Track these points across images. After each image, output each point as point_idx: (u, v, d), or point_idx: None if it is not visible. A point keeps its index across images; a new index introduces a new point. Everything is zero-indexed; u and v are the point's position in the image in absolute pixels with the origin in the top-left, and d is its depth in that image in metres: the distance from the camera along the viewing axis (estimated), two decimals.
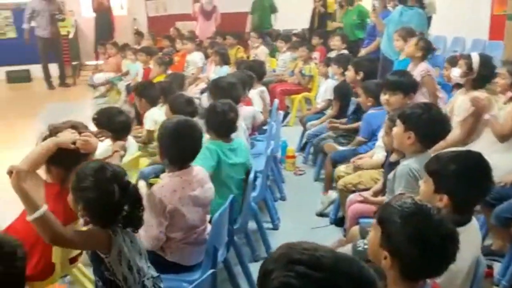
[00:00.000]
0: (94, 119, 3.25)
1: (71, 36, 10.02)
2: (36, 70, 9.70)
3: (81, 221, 1.83)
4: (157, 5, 11.24)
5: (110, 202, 1.76)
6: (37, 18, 8.98)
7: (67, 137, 2.14)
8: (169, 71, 6.05)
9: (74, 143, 2.14)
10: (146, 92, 4.05)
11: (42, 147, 2.12)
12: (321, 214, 3.77)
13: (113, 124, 3.18)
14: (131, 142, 3.35)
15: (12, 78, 10.14)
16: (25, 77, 10.15)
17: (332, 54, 6.29)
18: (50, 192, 2.14)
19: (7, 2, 10.42)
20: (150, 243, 2.24)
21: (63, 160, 2.14)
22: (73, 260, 2.35)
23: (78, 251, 2.33)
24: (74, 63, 10.11)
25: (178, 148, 2.32)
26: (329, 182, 3.89)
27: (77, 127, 2.31)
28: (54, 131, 2.24)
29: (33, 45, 9.13)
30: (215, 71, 6.30)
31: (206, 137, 3.23)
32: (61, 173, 2.18)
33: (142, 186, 3.54)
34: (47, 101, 8.27)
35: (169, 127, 2.37)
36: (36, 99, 8.68)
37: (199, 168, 2.45)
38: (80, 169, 1.83)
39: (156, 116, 3.81)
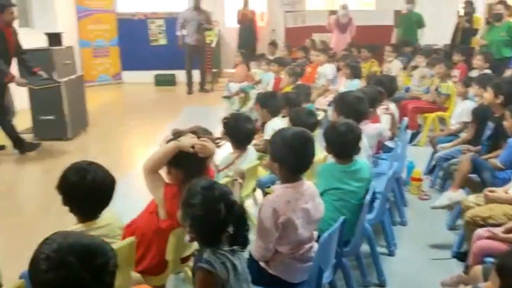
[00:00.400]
0: (224, 121, 3.41)
1: (213, 45, 10.64)
2: (180, 75, 10.48)
3: (187, 236, 1.90)
4: (296, 17, 11.45)
5: (215, 220, 1.81)
6: (187, 27, 9.72)
7: (187, 141, 2.26)
8: (299, 82, 6.13)
9: (193, 147, 2.25)
10: (268, 102, 4.14)
11: (165, 149, 2.27)
12: (435, 207, 3.64)
13: (240, 129, 3.32)
14: (251, 150, 3.44)
15: (159, 81, 11.09)
16: (171, 81, 11.02)
17: (474, 74, 5.83)
18: (169, 192, 2.27)
19: (161, 11, 11.44)
20: (259, 253, 2.26)
21: (182, 162, 2.27)
22: (184, 260, 2.47)
23: (190, 252, 2.44)
24: (214, 70, 10.72)
25: (293, 159, 2.27)
26: (462, 181, 3.59)
27: (197, 132, 2.44)
28: (176, 135, 2.38)
29: (179, 51, 9.93)
30: (345, 84, 6.22)
31: (323, 153, 3.20)
32: (180, 175, 2.29)
33: (258, 194, 3.63)
34: (186, 104, 8.91)
35: (286, 138, 2.32)
36: (177, 102, 9.38)
37: (309, 182, 2.42)
38: (191, 186, 1.92)
39: (277, 127, 3.85)
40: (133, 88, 10.97)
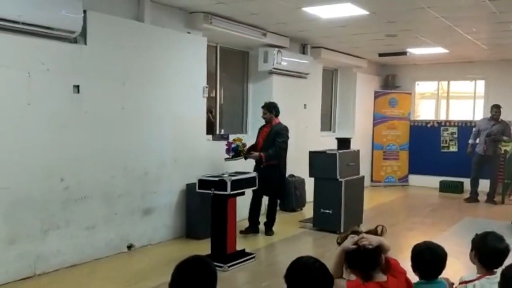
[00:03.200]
0: (473, 238, 3.31)
1: (508, 155, 9.99)
2: (468, 183, 10.14)
3: None
4: None
5: None
6: (480, 136, 9.66)
7: (347, 242, 2.43)
8: None
9: (356, 244, 2.38)
10: None
11: (335, 258, 2.47)
12: None
13: (486, 247, 3.13)
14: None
15: (444, 187, 10.98)
16: (457, 188, 10.71)
17: None
18: (350, 285, 2.41)
19: (456, 119, 11.52)
20: None
21: (354, 262, 2.41)
22: None
23: None
24: (506, 181, 9.97)
25: None
26: None
27: (358, 231, 2.53)
28: (340, 241, 2.52)
29: (469, 159, 9.81)
30: None
31: None
32: (359, 274, 2.42)
33: None
34: (468, 214, 8.58)
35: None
36: (459, 210, 9.04)
37: None
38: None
39: None
40: (416, 191, 11.19)
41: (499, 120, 9.60)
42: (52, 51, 4.98)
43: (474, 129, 9.95)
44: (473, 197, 9.72)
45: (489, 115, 9.76)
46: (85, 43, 5.26)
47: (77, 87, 5.19)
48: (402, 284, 2.48)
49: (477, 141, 9.76)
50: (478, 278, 3.13)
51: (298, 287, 2.31)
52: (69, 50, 5.13)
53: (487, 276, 3.06)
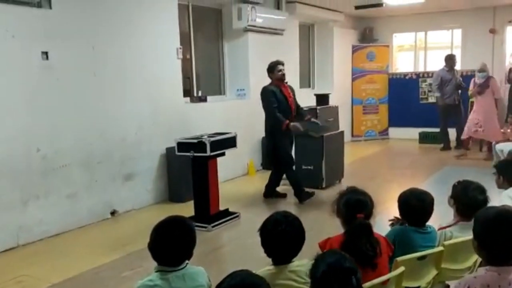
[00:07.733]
0: (454, 184, 3.36)
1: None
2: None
3: None
4: None
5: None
6: (445, 87, 9.84)
7: None
8: None
9: None
10: (507, 170, 3.87)
11: None
12: None
13: (466, 197, 3.18)
14: None
15: (423, 138, 11.15)
16: (436, 138, 10.70)
17: None
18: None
19: (434, 70, 11.48)
20: None
21: None
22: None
23: None
24: None
25: (493, 243, 2.01)
26: None
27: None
28: None
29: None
30: None
31: None
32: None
33: None
34: (447, 163, 8.73)
35: (488, 216, 2.10)
36: (439, 160, 9.20)
37: None
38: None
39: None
40: (396, 144, 11.33)
41: (454, 68, 9.91)
42: (16, 17, 4.79)
43: (435, 82, 10.03)
44: (447, 146, 10.10)
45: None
46: (50, 7, 5.07)
47: (45, 54, 5.04)
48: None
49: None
50: (454, 223, 3.22)
51: (268, 240, 2.37)
52: (34, 15, 4.94)
53: (461, 222, 3.14)
